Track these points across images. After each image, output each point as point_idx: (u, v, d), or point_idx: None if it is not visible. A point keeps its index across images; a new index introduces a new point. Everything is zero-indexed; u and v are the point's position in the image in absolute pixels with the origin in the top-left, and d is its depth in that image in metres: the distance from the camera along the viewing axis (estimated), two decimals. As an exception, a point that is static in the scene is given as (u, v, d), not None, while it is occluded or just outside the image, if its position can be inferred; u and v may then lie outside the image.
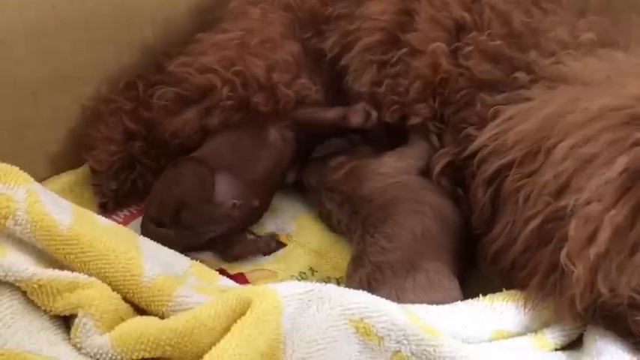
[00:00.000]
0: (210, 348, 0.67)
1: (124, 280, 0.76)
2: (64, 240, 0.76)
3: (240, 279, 0.93)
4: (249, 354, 0.67)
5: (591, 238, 0.72)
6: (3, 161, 0.79)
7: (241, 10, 1.07)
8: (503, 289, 0.79)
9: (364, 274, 0.84)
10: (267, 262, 0.96)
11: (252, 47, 1.02)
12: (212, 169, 0.94)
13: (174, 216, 0.92)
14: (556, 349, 0.77)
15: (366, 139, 1.04)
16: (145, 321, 0.73)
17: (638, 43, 0.88)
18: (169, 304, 0.76)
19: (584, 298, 0.73)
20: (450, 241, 0.87)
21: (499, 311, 0.77)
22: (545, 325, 0.78)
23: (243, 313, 0.69)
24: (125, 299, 0.77)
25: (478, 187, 0.85)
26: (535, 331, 0.77)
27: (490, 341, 0.76)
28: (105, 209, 1.01)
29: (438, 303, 0.77)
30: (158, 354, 0.70)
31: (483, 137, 0.86)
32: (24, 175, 0.78)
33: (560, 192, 0.76)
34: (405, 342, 0.70)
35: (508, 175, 0.81)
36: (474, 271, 0.87)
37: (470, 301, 0.78)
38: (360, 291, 0.74)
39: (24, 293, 0.74)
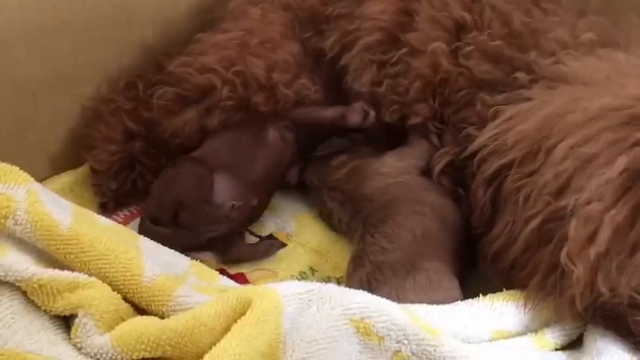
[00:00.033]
0: (211, 348, 0.67)
1: (124, 280, 0.76)
2: (65, 240, 0.76)
3: (241, 279, 0.93)
4: (250, 354, 0.67)
5: (591, 238, 0.73)
6: (3, 161, 0.79)
7: (241, 10, 1.07)
8: (504, 289, 0.79)
9: (364, 273, 0.84)
10: (268, 262, 0.96)
11: (253, 47, 1.02)
12: (211, 168, 0.94)
13: (173, 215, 0.92)
14: (556, 349, 0.77)
15: (367, 138, 1.04)
16: (145, 321, 0.73)
17: (638, 44, 0.88)
18: (169, 304, 0.76)
19: (584, 297, 0.73)
20: (450, 241, 0.87)
21: (499, 311, 0.77)
22: (546, 324, 0.78)
23: (243, 313, 0.69)
24: (125, 299, 0.77)
25: (478, 187, 0.85)
26: (535, 330, 0.77)
27: (490, 341, 0.76)
28: (105, 209, 1.01)
29: (438, 303, 0.77)
30: (158, 354, 0.70)
31: (483, 137, 0.86)
32: (24, 175, 0.78)
33: (561, 192, 0.76)
34: (406, 342, 0.70)
35: (508, 175, 0.81)
36: (474, 271, 0.87)
37: (470, 301, 0.78)
38: (361, 291, 0.74)
39: (24, 293, 0.74)
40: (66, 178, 1.05)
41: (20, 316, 0.72)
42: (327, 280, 0.93)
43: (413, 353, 0.70)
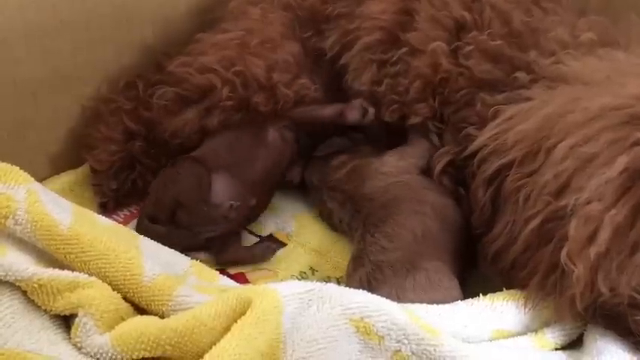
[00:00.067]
0: (211, 347, 0.67)
1: (124, 280, 0.76)
2: (65, 239, 0.76)
3: (241, 278, 0.93)
4: (250, 353, 0.67)
5: (591, 238, 0.72)
6: (3, 161, 0.79)
7: (241, 10, 1.07)
8: (504, 289, 0.79)
9: (364, 273, 0.84)
10: (268, 262, 0.96)
11: (253, 47, 1.02)
12: (210, 168, 0.94)
13: (171, 215, 0.92)
14: (556, 349, 0.77)
15: (367, 138, 1.04)
16: (145, 320, 0.73)
17: (638, 43, 0.88)
18: (169, 303, 0.76)
19: (584, 297, 0.73)
20: (450, 241, 0.87)
21: (499, 311, 0.77)
22: (546, 324, 0.78)
23: (243, 313, 0.69)
24: (125, 299, 0.77)
25: (478, 186, 0.85)
26: (535, 330, 0.77)
27: (490, 341, 0.76)
28: (105, 209, 1.01)
29: (438, 302, 0.77)
30: (158, 353, 0.70)
31: (483, 137, 0.86)
32: (24, 175, 0.78)
33: (561, 191, 0.76)
34: (406, 341, 0.70)
35: (508, 175, 0.81)
36: (474, 271, 0.87)
37: (470, 300, 0.78)
38: (361, 290, 0.74)
39: (24, 293, 0.74)
40: (66, 178, 1.05)
41: (20, 315, 0.72)
42: (327, 279, 0.93)
43: (413, 353, 0.70)
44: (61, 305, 0.73)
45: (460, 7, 0.96)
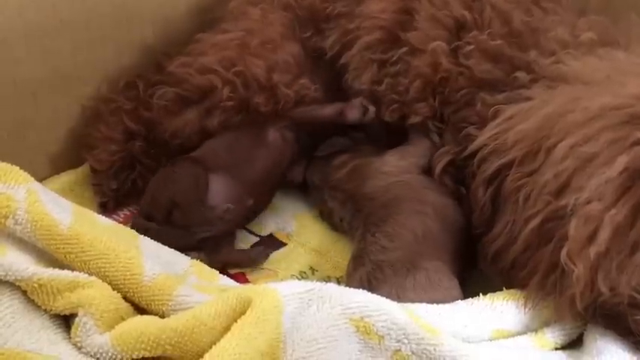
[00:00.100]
0: (211, 347, 0.67)
1: (124, 280, 0.76)
2: (65, 239, 0.76)
3: (241, 278, 0.93)
4: (250, 353, 0.67)
5: (591, 238, 0.72)
6: (3, 161, 0.79)
7: (241, 11, 1.07)
8: (504, 289, 0.79)
9: (364, 272, 0.84)
10: (268, 262, 0.96)
11: (253, 48, 1.02)
12: (208, 168, 0.94)
13: (166, 214, 0.91)
14: (556, 349, 0.77)
15: (367, 137, 1.04)
16: (145, 320, 0.73)
17: (638, 43, 0.88)
18: (170, 303, 0.76)
19: (584, 297, 0.73)
20: (450, 241, 0.87)
21: (499, 310, 0.77)
22: (546, 324, 0.78)
23: (243, 313, 0.69)
24: (125, 298, 0.77)
25: (478, 186, 0.85)
26: (535, 330, 0.77)
27: (490, 340, 0.76)
28: (105, 209, 1.01)
29: (438, 302, 0.77)
30: (158, 353, 0.70)
31: (483, 137, 0.86)
32: (24, 175, 0.78)
33: (561, 191, 0.76)
34: (406, 341, 0.70)
35: (508, 175, 0.81)
36: (474, 271, 0.87)
37: (470, 300, 0.78)
38: (361, 290, 0.74)
39: (24, 292, 0.74)
40: (66, 177, 1.05)
41: (20, 315, 0.72)
42: (327, 279, 0.93)
43: (413, 352, 0.70)
44: (61, 305, 0.73)
45: (460, 7, 0.96)
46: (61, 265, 0.77)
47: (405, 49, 0.98)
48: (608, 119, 0.76)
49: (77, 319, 0.72)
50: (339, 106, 1.00)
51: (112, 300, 0.75)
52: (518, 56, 0.90)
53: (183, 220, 0.91)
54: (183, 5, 1.10)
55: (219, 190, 0.93)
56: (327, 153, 1.03)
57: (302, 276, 0.94)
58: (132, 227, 0.87)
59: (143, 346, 0.69)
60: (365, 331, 0.70)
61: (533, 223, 0.77)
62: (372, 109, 0.99)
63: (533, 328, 0.77)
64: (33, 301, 0.74)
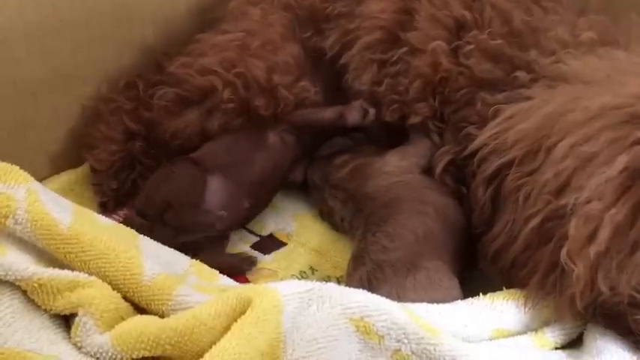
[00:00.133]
0: (211, 347, 0.67)
1: (124, 279, 0.76)
2: (65, 239, 0.76)
3: (241, 278, 0.93)
4: (250, 353, 0.67)
5: (591, 237, 0.72)
6: (3, 161, 0.79)
7: (241, 11, 1.07)
8: (504, 288, 0.79)
9: (365, 272, 0.84)
10: (268, 261, 0.96)
11: (253, 49, 1.02)
12: (207, 169, 0.94)
13: (160, 213, 0.91)
14: (556, 348, 0.77)
15: (368, 138, 1.04)
16: (145, 320, 0.73)
17: (639, 42, 0.88)
18: (169, 303, 0.75)
19: (584, 296, 0.73)
20: (451, 241, 0.87)
21: (499, 310, 0.77)
22: (546, 323, 0.78)
23: (243, 312, 0.69)
24: (125, 298, 0.77)
25: (478, 185, 0.85)
26: (535, 329, 0.77)
27: (490, 340, 0.76)
28: (105, 208, 1.01)
29: (438, 302, 0.77)
30: (158, 353, 0.70)
31: (484, 136, 0.86)
32: (24, 175, 0.78)
33: (561, 191, 0.76)
34: (406, 341, 0.70)
35: (508, 174, 0.81)
36: (475, 270, 0.87)
37: (470, 299, 0.78)
38: (361, 290, 0.74)
39: (24, 292, 0.74)
40: (66, 177, 1.05)
41: (20, 315, 0.72)
42: (327, 279, 0.93)
43: (413, 352, 0.70)
44: (61, 305, 0.73)
45: (460, 7, 0.96)
46: (61, 265, 0.77)
47: (405, 49, 0.98)
48: (608, 119, 0.76)
49: (77, 319, 0.72)
50: (338, 109, 1.00)
51: (112, 300, 0.75)
52: (518, 56, 0.90)
53: (176, 221, 0.91)
54: (183, 5, 1.10)
55: (216, 191, 0.93)
56: (328, 153, 1.03)
57: (302, 276, 0.94)
58: (125, 223, 0.87)
59: (143, 345, 0.69)
60: (365, 330, 0.70)
61: (533, 222, 0.77)
62: (371, 111, 0.99)
63: (533, 327, 0.77)
64: (33, 300, 0.74)
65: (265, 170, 0.98)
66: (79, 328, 0.72)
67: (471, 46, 0.93)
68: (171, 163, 0.96)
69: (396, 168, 0.95)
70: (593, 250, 0.72)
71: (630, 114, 0.75)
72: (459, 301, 0.79)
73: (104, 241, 0.77)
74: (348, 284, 0.83)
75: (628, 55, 0.86)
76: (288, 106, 1.00)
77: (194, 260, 0.84)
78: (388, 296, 0.75)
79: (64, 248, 0.76)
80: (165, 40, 1.09)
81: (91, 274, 0.76)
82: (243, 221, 0.99)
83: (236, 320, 0.69)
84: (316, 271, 0.95)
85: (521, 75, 0.89)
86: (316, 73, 1.05)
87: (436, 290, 0.81)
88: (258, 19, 1.05)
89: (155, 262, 0.79)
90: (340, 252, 0.96)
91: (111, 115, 1.04)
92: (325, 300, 0.71)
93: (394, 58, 0.99)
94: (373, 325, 0.70)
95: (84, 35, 1.00)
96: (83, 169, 1.06)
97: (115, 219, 0.95)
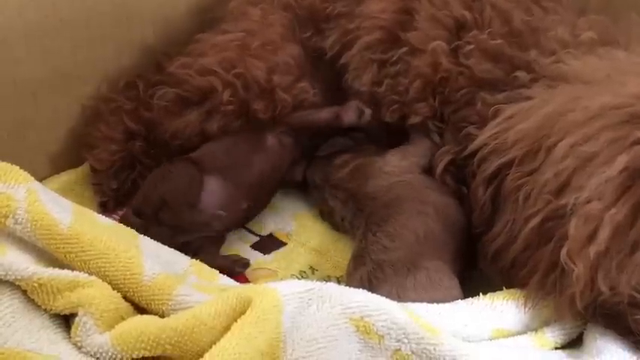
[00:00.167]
0: (211, 347, 0.67)
1: (124, 279, 0.76)
2: (65, 239, 0.76)
3: (241, 278, 0.93)
4: (250, 353, 0.67)
5: (591, 237, 0.72)
6: (3, 161, 0.79)
7: (241, 11, 1.07)
8: (504, 288, 0.79)
9: (365, 272, 0.84)
10: (268, 261, 0.96)
11: (253, 49, 1.01)
12: (205, 170, 0.94)
13: (156, 212, 0.91)
14: (556, 348, 0.77)
15: (368, 138, 1.04)
16: (145, 320, 0.73)
17: (639, 42, 0.88)
18: (169, 302, 0.75)
19: (584, 296, 0.73)
20: (451, 241, 0.87)
21: (499, 310, 0.77)
22: (546, 323, 0.78)
23: (243, 312, 0.69)
24: (125, 298, 0.77)
25: (478, 185, 0.85)
26: (535, 329, 0.77)
27: (490, 340, 0.76)
28: (105, 208, 1.01)
29: (438, 302, 0.77)
30: (158, 353, 0.70)
31: (484, 136, 0.86)
32: (24, 174, 0.78)
33: (561, 190, 0.76)
34: (406, 340, 0.70)
35: (508, 174, 0.81)
36: (475, 270, 0.87)
37: (470, 299, 0.78)
38: (361, 290, 0.74)
39: (24, 292, 0.74)
40: (66, 177, 1.05)
41: (20, 315, 0.72)
42: (327, 279, 0.93)
43: (413, 352, 0.70)
44: (61, 304, 0.73)
45: (460, 7, 0.96)
46: (61, 265, 0.77)
47: (405, 49, 0.98)
48: (608, 118, 0.76)
49: (77, 319, 0.72)
50: (334, 109, 1.00)
51: (112, 300, 0.75)
52: (518, 56, 0.90)
53: (171, 220, 0.90)
54: (183, 5, 1.10)
55: (213, 191, 0.93)
56: (328, 153, 1.03)
57: (302, 275, 0.94)
58: (120, 221, 0.87)
59: (143, 345, 0.69)
60: (365, 330, 0.70)
61: (534, 222, 0.77)
62: (367, 111, 0.99)
63: (533, 327, 0.77)
64: (33, 300, 0.74)
65: (263, 172, 0.98)
66: (79, 328, 0.72)
67: (471, 46, 0.93)
68: (170, 163, 0.96)
69: (397, 168, 0.95)
70: (593, 250, 0.72)
71: (630, 114, 0.75)
72: (459, 301, 0.79)
73: (104, 240, 0.77)
74: (349, 284, 0.83)
75: (628, 55, 0.86)
76: (285, 108, 1.00)
77: (194, 260, 0.84)
78: (388, 296, 0.75)
79: (64, 248, 0.76)
80: (166, 40, 1.09)
81: (91, 273, 0.76)
82: (241, 222, 0.99)
83: (236, 320, 0.69)
84: (316, 270, 0.95)
85: (522, 75, 0.89)
86: (316, 73, 1.05)
87: (436, 290, 0.81)
88: (258, 19, 1.05)
89: (155, 261, 0.79)
90: (340, 252, 0.96)
91: (111, 115, 1.04)
92: (325, 300, 0.71)
93: (394, 58, 0.99)
94: (373, 324, 0.70)
95: (84, 35, 1.01)
96: (83, 169, 1.06)
97: (115, 219, 0.95)
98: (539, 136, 0.80)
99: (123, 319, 0.74)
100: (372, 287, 0.79)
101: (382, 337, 0.70)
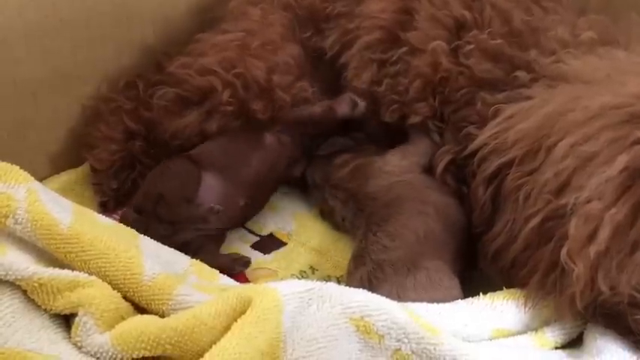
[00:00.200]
0: (211, 347, 0.67)
1: (124, 279, 0.76)
2: (65, 239, 0.76)
3: (241, 278, 0.93)
4: (250, 352, 0.67)
5: (591, 237, 0.72)
6: (3, 161, 0.79)
7: (241, 11, 1.07)
8: (504, 288, 0.79)
9: (365, 272, 0.84)
10: (268, 261, 0.96)
11: (253, 49, 1.01)
12: (203, 167, 0.94)
13: (154, 208, 0.91)
14: (556, 348, 0.77)
15: (368, 137, 1.04)
16: (145, 320, 0.73)
17: (639, 42, 0.88)
18: (170, 302, 0.75)
19: (584, 296, 0.73)
20: (452, 241, 0.87)
21: (499, 310, 0.77)
22: (546, 323, 0.78)
23: (243, 312, 0.69)
24: (125, 298, 0.77)
25: (478, 185, 0.85)
26: (535, 329, 0.77)
27: (490, 340, 0.76)
28: (105, 208, 1.01)
29: (438, 301, 0.77)
30: (158, 352, 0.70)
31: (484, 136, 0.86)
32: (24, 174, 0.78)
33: (561, 190, 0.76)
34: (406, 340, 0.70)
35: (508, 174, 0.81)
36: (475, 270, 0.87)
37: (470, 299, 0.78)
38: (361, 289, 0.74)
39: (24, 292, 0.74)
40: (66, 177, 1.05)
41: (20, 314, 0.72)
42: (327, 279, 0.93)
43: (413, 352, 0.70)
44: (61, 304, 0.73)
45: (460, 6, 0.96)
46: (61, 265, 0.77)
47: (404, 48, 0.98)
48: (608, 118, 0.76)
49: (77, 319, 0.72)
50: (327, 102, 1.00)
51: (112, 299, 0.75)
52: (518, 55, 0.91)
53: (169, 215, 0.90)
54: (183, 5, 1.10)
55: (211, 187, 0.93)
56: (328, 152, 1.03)
57: (302, 275, 0.94)
58: (120, 220, 0.87)
59: (143, 345, 0.69)
60: (365, 330, 0.70)
61: (534, 222, 0.77)
62: (361, 103, 0.99)
63: (533, 327, 0.77)
64: (33, 300, 0.74)
65: (262, 171, 0.98)
66: (79, 328, 0.72)
67: (471, 46, 0.93)
68: (169, 160, 0.97)
69: (397, 167, 0.95)
70: (593, 250, 0.72)
71: (630, 113, 0.75)
72: (459, 300, 0.79)
73: (104, 240, 0.77)
74: (349, 284, 0.83)
75: (628, 55, 0.86)
76: (284, 107, 1.00)
77: (194, 260, 0.84)
78: (388, 296, 0.75)
79: (64, 248, 0.76)
80: (166, 40, 1.09)
81: (91, 273, 0.76)
82: (239, 220, 0.99)
83: (236, 320, 0.69)
84: (316, 270, 0.95)
85: (522, 75, 0.89)
86: (316, 73, 1.05)
87: (436, 290, 0.81)
88: (258, 19, 1.05)
89: (155, 261, 0.79)
90: (340, 251, 0.96)
91: (111, 114, 1.04)
92: (325, 299, 0.71)
93: (394, 58, 0.99)
94: (373, 324, 0.70)
95: (84, 35, 1.00)
96: (83, 169, 1.06)
97: (115, 219, 0.95)
98: (539, 136, 0.80)
99: (123, 319, 0.74)
100: (372, 287, 0.79)
101: (382, 336, 0.70)
